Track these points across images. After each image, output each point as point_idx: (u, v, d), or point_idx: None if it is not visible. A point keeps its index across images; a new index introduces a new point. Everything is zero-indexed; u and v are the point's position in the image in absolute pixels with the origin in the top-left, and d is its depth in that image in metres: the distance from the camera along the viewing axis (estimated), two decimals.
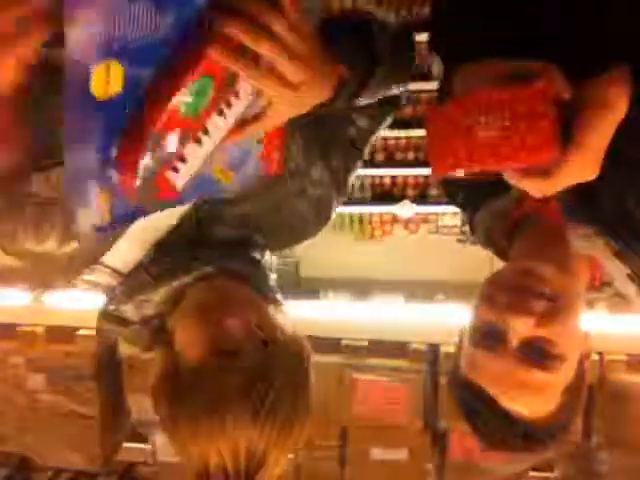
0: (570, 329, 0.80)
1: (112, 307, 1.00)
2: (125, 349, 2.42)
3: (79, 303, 2.45)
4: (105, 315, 1.02)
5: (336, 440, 2.54)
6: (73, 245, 0.91)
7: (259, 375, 0.84)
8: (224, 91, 0.72)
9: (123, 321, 0.99)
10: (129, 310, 0.98)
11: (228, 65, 0.67)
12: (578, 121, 0.71)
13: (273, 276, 1.05)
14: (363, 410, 2.47)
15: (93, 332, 2.54)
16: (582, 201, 0.88)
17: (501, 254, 0.98)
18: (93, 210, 0.71)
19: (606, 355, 2.36)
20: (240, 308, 0.89)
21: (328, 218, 1.14)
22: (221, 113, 0.74)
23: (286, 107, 0.74)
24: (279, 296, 1.02)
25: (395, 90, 0.98)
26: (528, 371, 0.77)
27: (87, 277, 0.98)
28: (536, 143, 0.69)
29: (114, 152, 0.69)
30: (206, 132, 0.73)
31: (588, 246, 0.88)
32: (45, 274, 0.98)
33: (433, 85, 2.49)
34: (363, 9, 0.93)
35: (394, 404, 2.44)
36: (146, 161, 0.69)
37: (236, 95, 0.74)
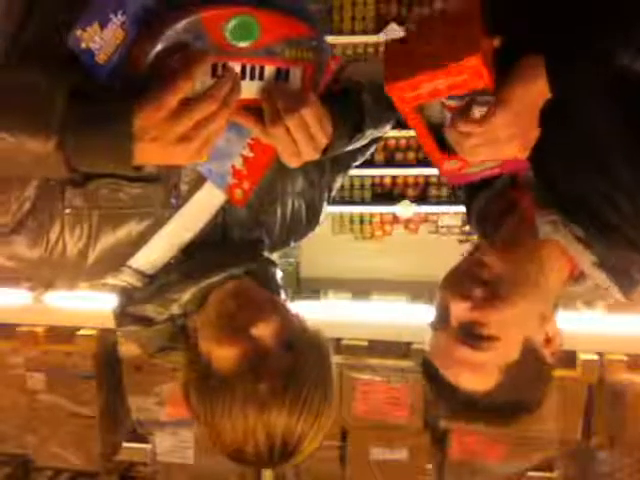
0: (509, 314, 0.87)
1: (133, 308, 1.00)
2: (130, 350, 2.43)
3: (79, 303, 2.46)
4: (125, 316, 1.02)
5: (336, 440, 2.54)
6: (99, 249, 0.92)
7: (289, 375, 0.88)
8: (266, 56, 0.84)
9: (147, 320, 1.00)
10: (151, 309, 0.99)
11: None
12: (504, 84, 0.81)
13: (280, 273, 1.08)
14: (363, 410, 2.48)
15: (93, 332, 2.54)
16: (548, 188, 0.92)
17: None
18: (103, 38, 0.75)
19: (606, 355, 2.36)
20: (265, 314, 0.93)
21: (317, 222, 1.19)
22: (252, 72, 0.84)
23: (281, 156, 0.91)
24: (284, 294, 1.05)
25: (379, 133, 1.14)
26: (462, 349, 0.88)
27: (111, 280, 0.98)
28: (461, 48, 0.77)
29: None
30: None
31: (554, 231, 0.91)
32: (59, 277, 0.97)
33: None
34: (354, 80, 1.04)
35: (394, 404, 2.44)
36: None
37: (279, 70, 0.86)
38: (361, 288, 2.84)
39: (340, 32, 2.77)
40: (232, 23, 0.80)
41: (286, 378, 0.88)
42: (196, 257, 0.98)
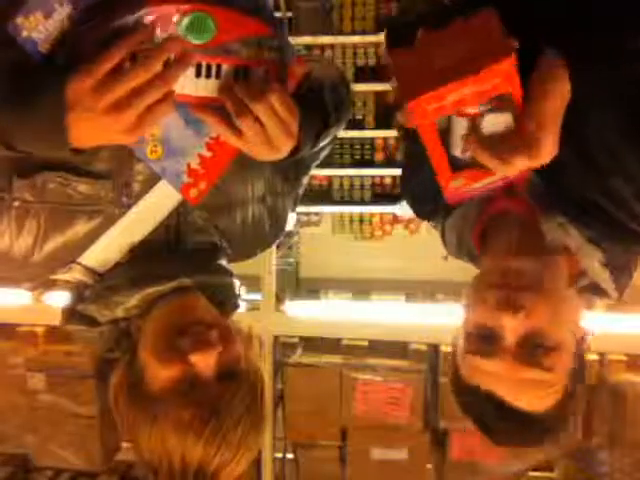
0: (559, 314, 0.83)
1: (81, 307, 0.98)
2: None
3: None
4: (73, 314, 1.00)
5: (336, 440, 2.55)
6: (48, 246, 0.91)
7: (216, 408, 0.85)
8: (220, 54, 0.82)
9: (91, 321, 0.98)
10: (95, 310, 0.97)
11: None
12: (530, 90, 0.76)
13: (237, 283, 1.04)
14: (363, 410, 2.48)
15: (93, 332, 2.54)
16: (553, 193, 0.90)
17: (471, 257, 1.01)
18: (47, 27, 0.74)
19: (606, 355, 2.36)
20: (208, 343, 0.88)
21: (282, 229, 1.13)
22: (209, 70, 0.81)
23: (255, 153, 0.86)
24: (241, 301, 1.02)
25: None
26: (528, 369, 0.80)
27: (62, 276, 0.97)
28: (493, 50, 0.75)
29: None
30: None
31: (563, 234, 0.89)
32: (14, 274, 0.96)
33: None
34: (315, 78, 0.99)
35: (394, 404, 2.45)
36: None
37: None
38: (361, 288, 2.84)
39: (340, 32, 2.77)
40: (187, 19, 0.78)
41: (210, 410, 0.85)
42: (146, 262, 0.96)
